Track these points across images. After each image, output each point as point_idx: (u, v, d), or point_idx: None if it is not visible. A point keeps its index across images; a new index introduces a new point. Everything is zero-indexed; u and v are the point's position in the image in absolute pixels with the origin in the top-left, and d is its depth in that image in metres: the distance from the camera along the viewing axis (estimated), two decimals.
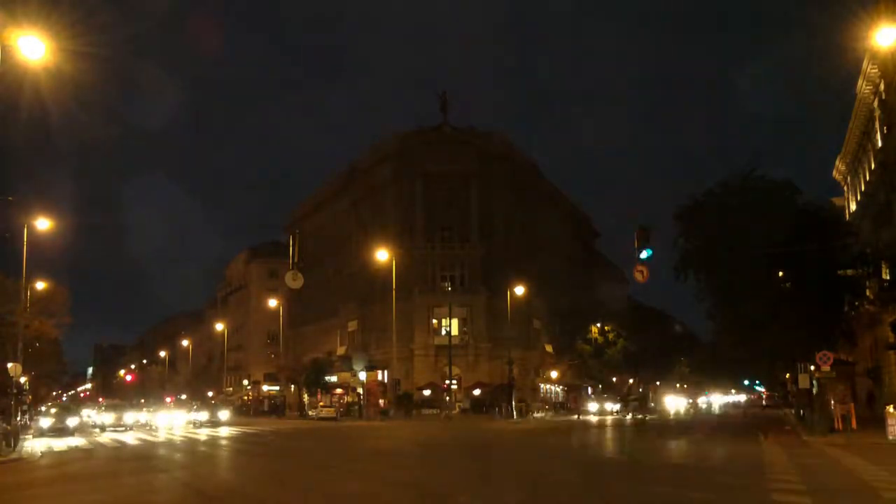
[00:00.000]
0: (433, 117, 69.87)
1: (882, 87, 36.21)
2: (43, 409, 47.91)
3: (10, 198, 30.77)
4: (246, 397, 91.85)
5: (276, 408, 75.11)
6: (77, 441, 34.01)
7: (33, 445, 29.65)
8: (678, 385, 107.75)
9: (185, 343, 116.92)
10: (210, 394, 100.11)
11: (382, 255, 54.76)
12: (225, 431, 42.35)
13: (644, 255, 26.40)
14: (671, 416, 63.96)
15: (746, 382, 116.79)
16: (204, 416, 51.30)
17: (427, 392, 60.75)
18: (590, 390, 76.66)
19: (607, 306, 74.47)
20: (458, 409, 57.65)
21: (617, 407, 64.94)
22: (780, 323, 40.19)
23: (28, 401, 50.76)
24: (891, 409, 25.87)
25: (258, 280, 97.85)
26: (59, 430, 37.50)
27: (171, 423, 50.05)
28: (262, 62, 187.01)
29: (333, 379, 68.82)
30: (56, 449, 29.49)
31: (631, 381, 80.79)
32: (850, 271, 36.60)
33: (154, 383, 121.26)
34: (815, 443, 26.35)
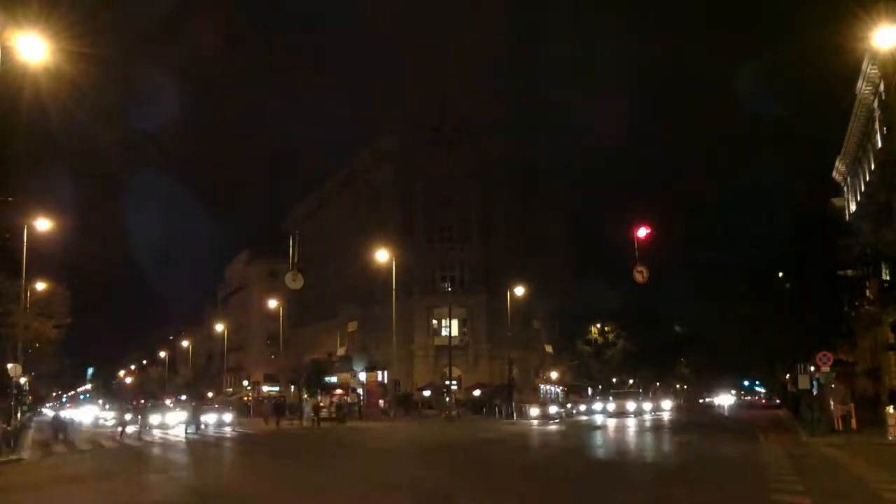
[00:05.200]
0: (433, 118, 69.88)
1: (882, 87, 36.18)
2: None
3: (10, 198, 30.66)
4: (246, 398, 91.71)
5: (277, 408, 74.91)
6: None
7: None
8: (678, 386, 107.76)
9: (184, 344, 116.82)
10: (210, 394, 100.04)
11: (382, 255, 54.75)
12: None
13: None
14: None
15: (746, 383, 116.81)
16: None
17: (427, 392, 60.71)
18: (590, 391, 76.60)
19: (607, 306, 74.47)
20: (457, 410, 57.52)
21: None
22: (780, 323, 40.24)
23: (28, 401, 50.77)
24: (891, 409, 25.84)
25: (258, 281, 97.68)
26: None
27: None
28: (262, 62, 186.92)
29: (333, 380, 68.75)
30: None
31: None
32: (850, 272, 36.59)
33: (154, 384, 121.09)
34: (815, 443, 26.33)
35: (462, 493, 14.87)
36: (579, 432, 37.18)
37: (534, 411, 52.68)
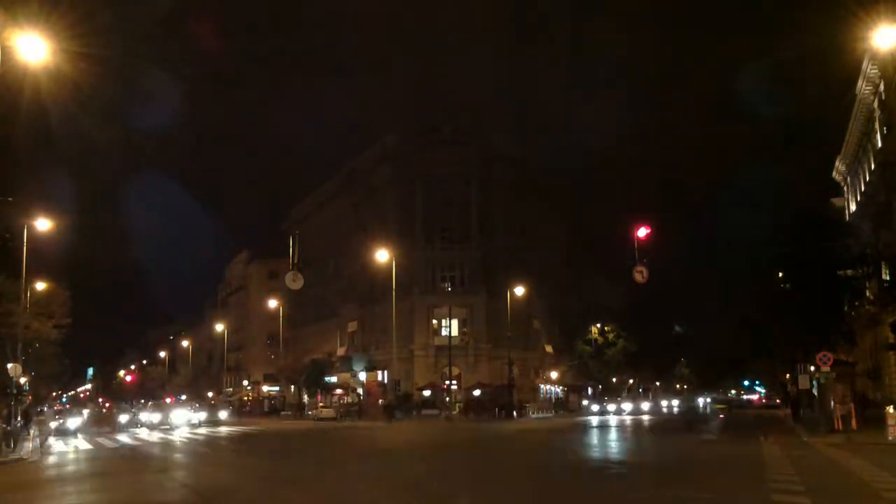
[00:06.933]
0: (433, 118, 69.94)
1: (882, 87, 36.19)
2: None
3: (10, 198, 30.62)
4: (246, 398, 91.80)
5: (275, 408, 76.02)
6: None
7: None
8: (678, 386, 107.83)
9: (185, 344, 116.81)
10: (210, 394, 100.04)
11: (382, 255, 54.75)
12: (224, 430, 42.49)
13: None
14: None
15: (746, 383, 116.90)
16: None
17: (427, 392, 60.72)
18: (590, 391, 76.67)
19: (607, 306, 74.48)
20: (457, 410, 57.54)
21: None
22: (780, 324, 40.25)
23: (28, 401, 50.71)
24: (891, 409, 25.85)
25: (258, 281, 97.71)
26: None
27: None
28: (262, 62, 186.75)
29: (333, 379, 68.78)
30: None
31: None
32: (849, 272, 36.61)
33: (154, 384, 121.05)
34: (815, 443, 26.34)
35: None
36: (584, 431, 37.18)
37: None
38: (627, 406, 70.36)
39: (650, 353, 77.81)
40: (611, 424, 45.23)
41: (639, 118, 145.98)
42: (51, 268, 43.85)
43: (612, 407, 67.03)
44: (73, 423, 47.05)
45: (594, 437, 33.67)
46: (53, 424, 45.63)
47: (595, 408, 66.46)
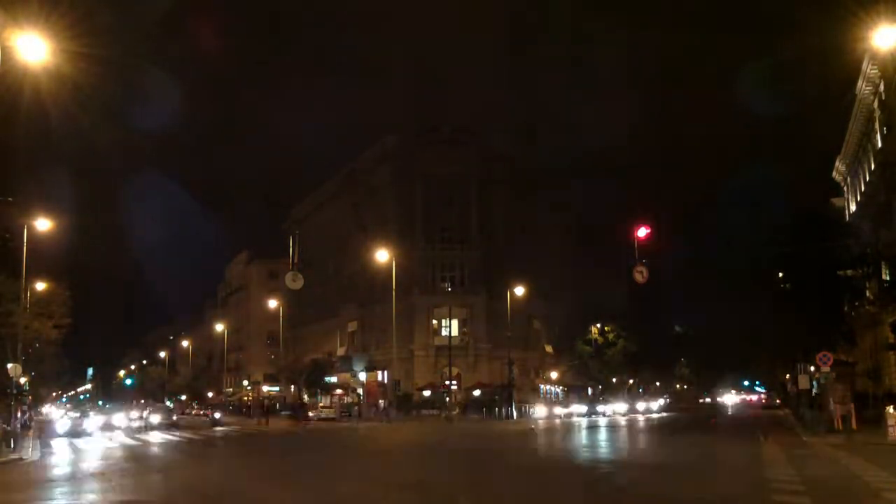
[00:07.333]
0: (433, 118, 70.03)
1: (882, 87, 36.20)
2: None
3: (10, 198, 30.61)
4: (246, 398, 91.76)
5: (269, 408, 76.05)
6: None
7: None
8: (678, 386, 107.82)
9: (185, 344, 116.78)
10: (210, 394, 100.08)
11: (382, 255, 54.76)
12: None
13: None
14: None
15: (746, 383, 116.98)
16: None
17: (427, 392, 60.73)
18: (590, 391, 76.64)
19: (607, 306, 74.48)
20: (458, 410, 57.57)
21: None
22: (780, 324, 40.28)
23: (29, 401, 50.71)
24: (891, 409, 25.86)
25: (258, 281, 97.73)
26: None
27: None
28: (261, 62, 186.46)
29: (333, 379, 68.77)
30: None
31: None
32: (849, 272, 36.64)
33: (154, 384, 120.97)
34: (815, 443, 26.34)
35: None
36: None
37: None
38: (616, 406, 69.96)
39: (650, 353, 77.76)
40: (600, 424, 45.32)
41: (639, 118, 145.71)
42: (51, 268, 43.85)
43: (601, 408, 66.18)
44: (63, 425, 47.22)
45: (592, 437, 33.69)
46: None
47: (584, 408, 65.71)
